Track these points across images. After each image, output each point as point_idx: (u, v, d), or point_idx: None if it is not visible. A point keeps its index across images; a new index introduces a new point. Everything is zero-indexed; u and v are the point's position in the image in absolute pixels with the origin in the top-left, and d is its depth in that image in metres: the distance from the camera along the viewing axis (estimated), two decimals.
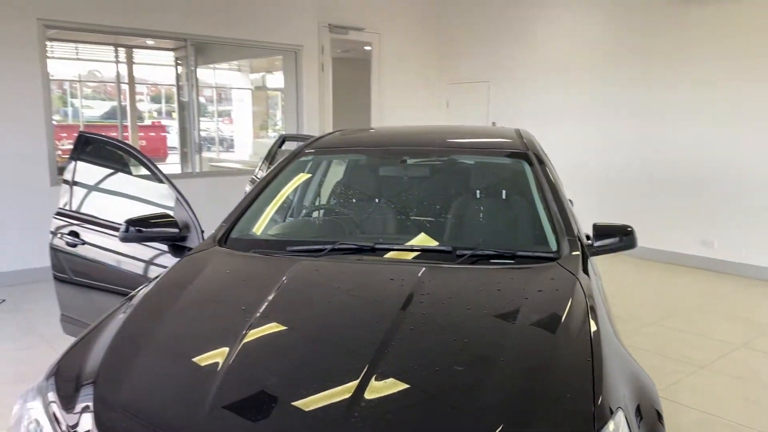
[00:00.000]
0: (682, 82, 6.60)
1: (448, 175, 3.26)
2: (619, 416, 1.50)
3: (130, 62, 10.93)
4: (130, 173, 3.38)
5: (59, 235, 3.36)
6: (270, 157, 4.58)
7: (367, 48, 8.61)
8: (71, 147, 3.48)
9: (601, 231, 2.56)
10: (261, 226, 2.77)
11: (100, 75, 13.67)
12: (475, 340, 1.78)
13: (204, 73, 11.32)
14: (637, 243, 2.61)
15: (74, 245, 3.26)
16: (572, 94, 7.65)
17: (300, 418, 1.46)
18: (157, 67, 12.28)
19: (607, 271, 6.33)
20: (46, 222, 3.60)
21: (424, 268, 2.17)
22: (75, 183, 3.42)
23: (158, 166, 3.12)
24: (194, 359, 1.72)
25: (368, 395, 1.49)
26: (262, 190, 2.89)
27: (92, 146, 3.43)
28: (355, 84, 9.41)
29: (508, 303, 1.98)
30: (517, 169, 3.00)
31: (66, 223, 3.34)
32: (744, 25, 6.09)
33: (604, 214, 6.60)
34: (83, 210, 3.33)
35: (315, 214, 3.39)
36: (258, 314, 1.87)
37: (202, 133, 8.97)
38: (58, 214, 3.41)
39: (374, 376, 1.55)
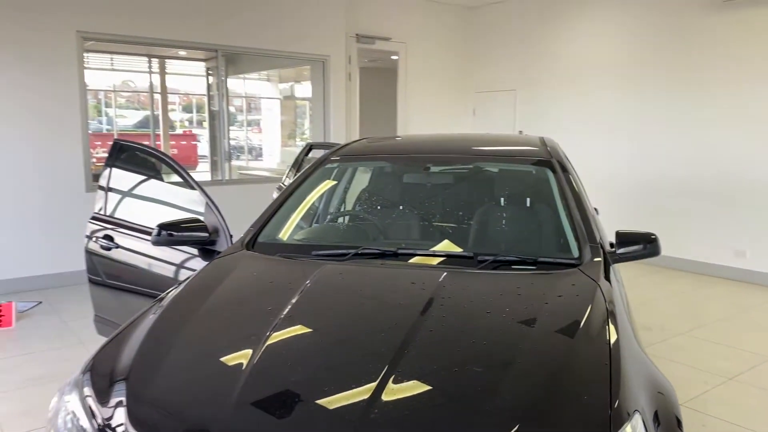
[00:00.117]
0: (712, 90, 6.52)
1: (471, 182, 3.29)
2: (636, 420, 1.51)
3: (162, 72, 11.18)
4: (161, 179, 3.50)
5: (94, 239, 3.47)
6: (297, 165, 4.67)
7: (394, 57, 8.69)
8: (105, 155, 3.61)
9: (624, 238, 2.56)
10: (287, 231, 2.84)
11: (134, 85, 14.02)
12: (494, 342, 1.80)
13: (234, 83, 11.53)
14: (661, 251, 2.61)
15: (108, 248, 3.37)
16: (600, 102, 7.61)
17: (320, 415, 1.51)
18: (188, 77, 12.55)
19: (637, 281, 6.29)
20: (81, 227, 3.72)
21: (445, 273, 2.21)
22: (110, 189, 3.54)
23: (189, 173, 3.22)
24: (221, 358, 1.78)
25: (387, 394, 1.53)
26: (288, 197, 2.96)
27: (127, 153, 3.55)
28: (381, 93, 9.49)
29: (527, 307, 2.00)
30: (540, 176, 3.02)
31: (101, 227, 3.46)
32: None
33: (632, 223, 6.53)
34: (117, 215, 3.45)
35: (340, 219, 3.45)
36: (282, 316, 1.93)
37: (232, 142, 9.14)
38: (93, 218, 3.53)
39: (393, 377, 1.59)
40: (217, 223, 2.99)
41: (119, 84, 13.22)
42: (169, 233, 2.77)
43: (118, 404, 1.66)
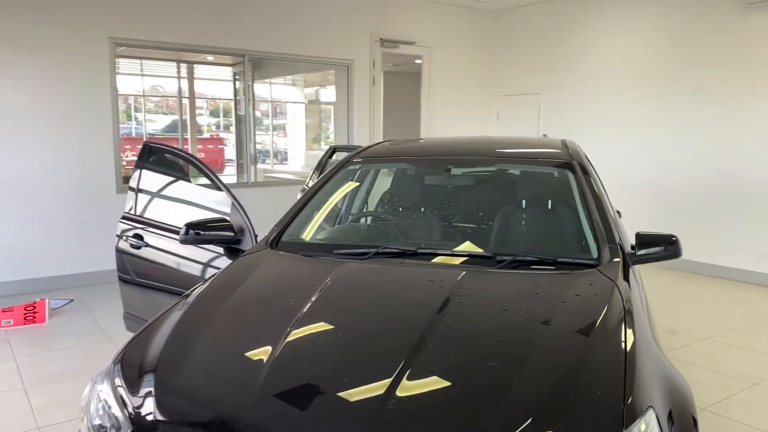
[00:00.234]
0: (738, 93, 6.44)
1: (491, 184, 3.32)
2: (650, 416, 1.54)
3: (191, 77, 11.39)
4: (189, 181, 3.60)
5: (124, 238, 3.59)
6: (320, 167, 4.75)
7: (418, 61, 8.74)
8: (134, 158, 3.72)
9: (644, 240, 2.56)
10: (309, 231, 2.91)
11: (163, 90, 14.30)
12: (510, 339, 1.84)
13: (260, 88, 11.69)
14: (682, 253, 2.59)
15: (138, 247, 3.48)
16: (624, 106, 7.56)
17: (338, 407, 1.56)
18: (216, 82, 12.77)
19: (661, 286, 6.24)
20: (111, 228, 3.84)
21: (464, 272, 2.25)
22: (139, 190, 3.65)
23: (216, 174, 3.31)
24: (244, 351, 1.85)
25: (403, 388, 1.58)
26: (311, 197, 3.03)
27: (156, 156, 3.67)
28: (405, 97, 9.56)
29: (544, 306, 2.03)
30: (561, 178, 3.04)
31: (130, 227, 3.57)
32: None
33: (657, 226, 6.45)
34: (146, 214, 3.56)
35: (361, 220, 3.51)
36: (303, 311, 1.99)
37: (258, 146, 9.28)
38: (124, 218, 3.64)
39: (409, 371, 1.63)
40: (242, 223, 3.07)
41: (148, 89, 13.50)
42: (197, 232, 2.86)
43: (148, 394, 1.73)
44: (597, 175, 3.50)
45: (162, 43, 6.27)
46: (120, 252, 3.63)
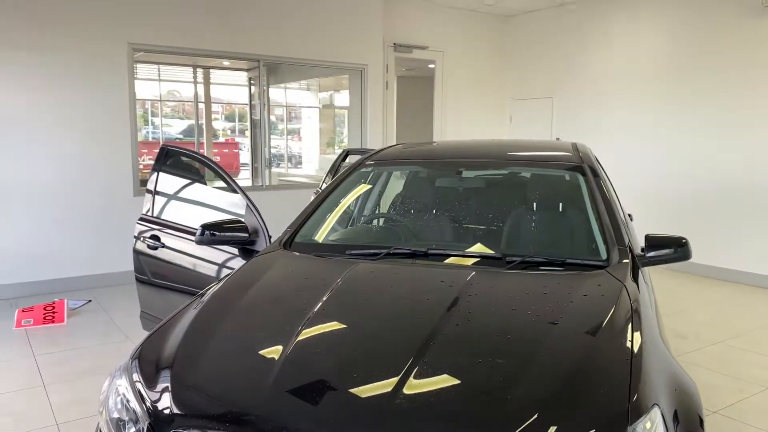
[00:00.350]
0: (753, 95, 6.40)
1: (502, 186, 3.35)
2: (655, 413, 1.56)
3: (207, 82, 11.53)
4: (205, 183, 3.67)
5: (141, 239, 3.66)
6: (333, 170, 4.81)
7: (431, 66, 8.79)
8: (151, 162, 3.80)
9: (653, 242, 2.57)
10: (322, 232, 2.96)
11: (179, 94, 14.47)
12: (517, 337, 1.87)
13: (275, 93, 11.80)
14: (692, 255, 2.60)
15: (155, 248, 3.55)
16: (637, 109, 7.54)
17: (348, 401, 1.60)
18: (232, 86, 12.90)
19: (673, 290, 6.21)
20: (129, 230, 3.92)
21: (473, 272, 2.29)
22: (156, 192, 3.73)
23: (231, 176, 3.38)
24: (257, 348, 1.90)
25: (411, 383, 1.62)
26: (324, 199, 3.08)
27: (173, 158, 3.74)
28: (418, 101, 9.60)
29: (552, 305, 2.06)
30: (571, 180, 3.06)
31: (147, 228, 3.65)
32: None
33: (669, 230, 6.43)
34: (163, 216, 3.63)
35: (373, 221, 3.55)
36: (315, 310, 2.04)
37: (273, 150, 9.35)
38: (141, 219, 3.72)
39: (418, 367, 1.67)
40: (257, 224, 3.13)
41: (165, 93, 13.67)
42: (212, 233, 2.92)
43: (164, 389, 1.79)
44: (608, 178, 3.52)
45: (179, 48, 6.38)
46: (137, 253, 3.71)
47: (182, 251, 3.46)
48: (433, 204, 3.27)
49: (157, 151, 3.77)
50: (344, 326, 2.00)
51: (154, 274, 3.64)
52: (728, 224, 6.67)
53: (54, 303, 5.08)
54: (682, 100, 7.06)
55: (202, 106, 12.13)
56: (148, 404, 1.76)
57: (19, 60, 5.53)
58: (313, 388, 1.69)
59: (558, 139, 8.46)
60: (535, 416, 1.50)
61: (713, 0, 6.69)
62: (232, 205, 3.38)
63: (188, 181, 3.70)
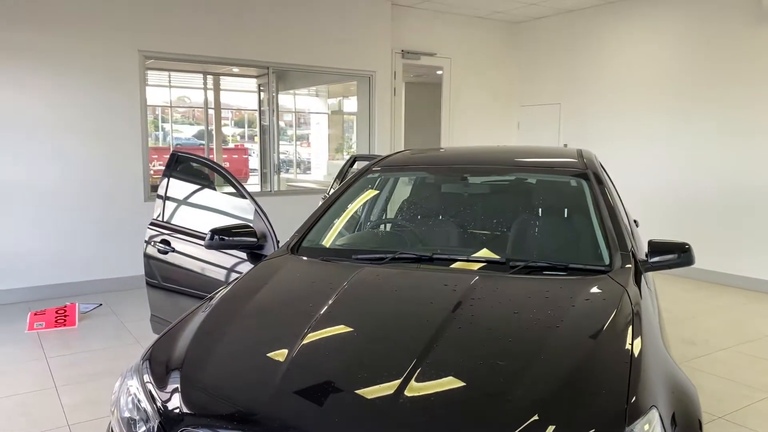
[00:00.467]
0: (760, 102, 6.40)
1: (507, 192, 3.39)
2: (653, 415, 1.59)
3: (217, 89, 11.64)
4: (214, 188, 3.74)
5: (152, 244, 3.72)
6: (341, 176, 4.86)
7: (439, 72, 8.84)
8: (161, 168, 3.87)
9: (656, 248, 2.60)
10: (329, 237, 3.01)
11: (189, 101, 14.61)
12: (519, 339, 1.91)
13: (284, 99, 11.89)
14: (695, 260, 2.62)
15: (165, 252, 3.61)
16: (645, 115, 7.55)
17: (353, 401, 1.65)
18: (241, 93, 13.02)
19: (683, 296, 6.21)
20: (139, 235, 3.98)
21: (477, 277, 2.32)
22: (167, 197, 3.79)
23: (240, 182, 3.44)
24: (264, 350, 1.95)
25: (415, 383, 1.66)
26: (331, 204, 3.13)
27: (183, 164, 3.81)
28: (426, 107, 9.66)
29: (554, 309, 2.09)
30: (575, 187, 3.09)
31: (158, 233, 3.71)
32: None
33: (679, 237, 6.43)
34: (173, 221, 3.69)
35: (380, 226, 3.60)
36: (321, 313, 2.08)
37: (282, 156, 9.42)
38: (152, 224, 3.78)
39: (420, 368, 1.71)
40: (265, 229, 3.19)
41: (175, 100, 13.81)
42: (221, 238, 2.97)
43: (174, 390, 1.83)
44: (612, 184, 3.55)
45: (189, 55, 6.47)
46: (148, 257, 3.77)
47: (192, 256, 3.51)
48: (438, 209, 3.31)
49: (168, 156, 3.84)
50: (349, 329, 2.04)
51: (164, 278, 3.70)
52: (737, 231, 6.65)
53: (65, 306, 5.16)
54: (689, 107, 7.06)
55: (211, 111, 12.23)
56: (159, 404, 1.81)
57: (33, 67, 5.63)
58: (319, 388, 1.73)
59: (566, 145, 8.48)
60: (535, 417, 1.53)
61: (720, 8, 6.70)
62: (241, 211, 3.44)
63: (198, 187, 3.76)
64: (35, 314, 5.03)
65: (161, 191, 3.81)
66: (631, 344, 1.84)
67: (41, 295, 5.81)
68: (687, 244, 2.59)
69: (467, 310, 2.05)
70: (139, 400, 1.88)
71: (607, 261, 2.50)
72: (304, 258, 2.73)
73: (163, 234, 3.67)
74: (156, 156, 12.02)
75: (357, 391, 1.67)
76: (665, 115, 7.33)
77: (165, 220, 3.74)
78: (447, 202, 3.36)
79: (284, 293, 2.39)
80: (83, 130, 5.93)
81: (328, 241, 2.98)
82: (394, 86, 8.11)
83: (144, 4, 6.11)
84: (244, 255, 3.26)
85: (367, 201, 3.55)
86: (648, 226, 6.54)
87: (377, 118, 7.91)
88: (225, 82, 11.70)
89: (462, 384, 1.68)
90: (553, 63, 8.71)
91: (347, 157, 5.24)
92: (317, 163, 13.43)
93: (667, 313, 5.60)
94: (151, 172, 6.68)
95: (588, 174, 3.00)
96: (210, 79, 11.30)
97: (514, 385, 1.65)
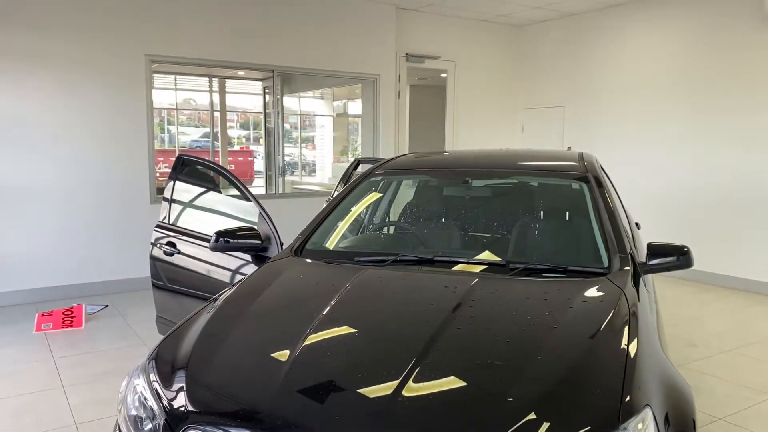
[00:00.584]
0: (763, 105, 6.41)
1: (508, 196, 3.42)
2: (646, 414, 1.62)
3: (222, 91, 11.72)
4: (220, 191, 3.79)
5: (158, 246, 3.78)
6: (345, 179, 4.90)
7: (443, 75, 8.88)
8: (167, 170, 3.93)
9: (655, 250, 2.63)
10: (332, 239, 3.05)
11: (195, 103, 14.69)
12: (517, 339, 1.95)
13: (290, 101, 11.95)
14: (694, 263, 2.64)
15: (171, 254, 3.67)
16: (649, 118, 7.57)
17: (353, 399, 1.69)
18: (246, 95, 13.09)
19: (686, 298, 6.23)
20: (145, 237, 4.04)
21: (477, 279, 2.36)
22: (173, 200, 3.85)
23: (245, 185, 3.49)
24: (268, 350, 1.99)
25: (414, 382, 1.70)
26: (335, 207, 3.17)
27: (189, 167, 3.86)
28: (431, 109, 9.70)
29: (552, 310, 2.12)
30: (575, 190, 3.13)
31: (164, 235, 3.76)
32: None
33: (679, 238, 6.45)
34: (179, 223, 3.75)
35: (382, 229, 3.64)
36: (323, 313, 2.13)
37: (287, 158, 9.49)
38: (158, 226, 3.84)
39: (419, 368, 1.75)
40: (269, 232, 3.23)
41: (181, 102, 13.90)
42: (226, 240, 3.02)
43: (180, 388, 1.88)
44: (613, 187, 3.58)
45: (195, 59, 6.53)
46: (154, 259, 3.82)
47: (197, 258, 3.56)
48: (440, 212, 3.35)
49: (174, 159, 3.89)
50: (351, 329, 2.08)
51: (170, 280, 3.75)
52: (740, 234, 6.66)
53: (72, 308, 5.22)
54: (693, 110, 7.08)
55: (217, 114, 12.31)
56: (165, 402, 1.85)
57: (40, 71, 5.70)
58: (320, 387, 1.77)
59: (569, 148, 8.51)
60: (531, 414, 1.57)
61: (724, 12, 6.72)
62: (246, 213, 3.49)
63: (203, 190, 3.82)
64: (42, 315, 5.09)
65: (167, 194, 3.86)
66: (627, 345, 1.87)
67: (48, 297, 5.88)
68: (686, 247, 2.62)
69: (467, 311, 2.09)
70: (145, 399, 1.92)
71: (605, 263, 2.53)
72: (308, 260, 2.77)
73: (169, 236, 3.73)
74: (162, 158, 12.09)
75: (357, 390, 1.71)
76: (669, 118, 7.35)
77: (171, 222, 3.79)
78: (448, 205, 3.40)
79: (287, 295, 2.43)
80: (90, 134, 6.00)
81: (331, 244, 3.03)
82: (398, 89, 8.16)
83: (151, 10, 6.18)
84: (248, 257, 3.31)
85: (370, 204, 3.59)
86: (651, 229, 6.56)
87: (381, 121, 7.95)
88: (230, 84, 11.77)
89: (459, 383, 1.72)
90: (557, 66, 8.74)
91: (352, 160, 5.28)
92: (322, 165, 13.48)
93: (670, 316, 5.62)
94: (157, 174, 6.74)
95: (588, 177, 3.03)
96: (216, 81, 11.38)
97: (510, 384, 1.68)
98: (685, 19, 7.12)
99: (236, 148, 16.25)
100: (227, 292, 2.49)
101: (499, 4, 7.91)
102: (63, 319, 5.10)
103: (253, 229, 3.17)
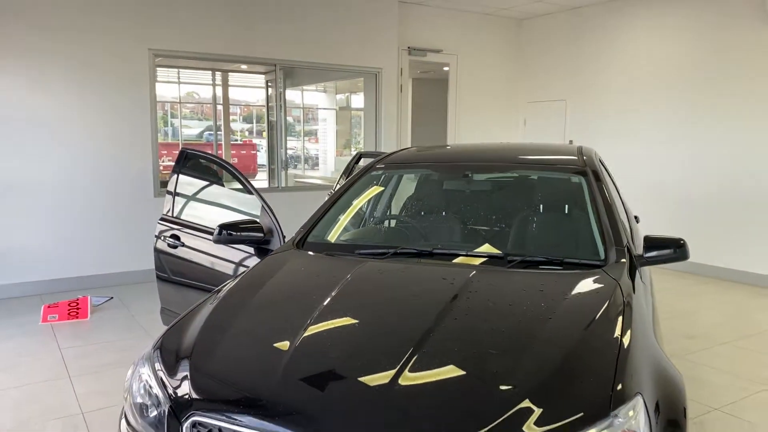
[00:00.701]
0: (764, 101, 6.43)
1: (507, 189, 3.46)
2: (637, 401, 1.67)
3: (225, 85, 11.73)
4: (222, 185, 3.84)
5: (162, 238, 3.83)
6: (347, 172, 4.94)
7: (445, 68, 8.90)
8: (170, 163, 3.98)
9: (652, 243, 2.67)
10: (333, 232, 3.10)
11: (198, 96, 14.72)
12: (512, 329, 1.99)
13: (292, 95, 11.96)
14: (689, 255, 2.68)
15: (175, 247, 3.72)
16: (649, 112, 7.58)
17: (352, 386, 1.74)
18: (249, 88, 13.11)
19: (687, 291, 6.28)
20: (149, 230, 4.09)
21: (474, 271, 2.41)
22: (176, 193, 3.89)
23: (247, 178, 3.53)
24: (269, 339, 2.05)
25: (410, 370, 1.75)
26: (336, 201, 3.22)
27: (192, 161, 3.91)
28: (433, 103, 9.72)
29: (548, 301, 2.17)
30: (573, 183, 3.16)
31: (168, 228, 3.81)
32: None
33: (680, 231, 6.49)
34: (183, 216, 3.80)
35: (383, 222, 3.69)
36: (324, 304, 2.18)
37: (290, 152, 9.49)
38: (162, 219, 3.89)
39: (416, 356, 1.80)
40: (271, 225, 3.28)
41: (184, 95, 13.92)
42: (229, 233, 3.07)
43: (184, 377, 1.93)
44: (612, 181, 3.62)
45: (198, 53, 6.57)
46: (158, 251, 3.87)
47: (201, 250, 3.62)
48: (440, 206, 3.39)
49: (177, 153, 3.94)
50: (350, 319, 2.13)
51: (174, 272, 3.81)
52: (740, 227, 6.69)
53: (78, 299, 5.29)
54: (694, 104, 7.09)
55: (220, 107, 12.33)
56: (169, 390, 1.91)
57: (44, 66, 5.75)
58: (320, 375, 1.82)
59: (571, 142, 8.53)
60: (524, 401, 1.62)
61: (727, 9, 6.72)
62: (248, 206, 3.53)
63: (206, 183, 3.86)
64: (48, 307, 5.16)
65: (171, 187, 3.91)
66: (620, 335, 1.92)
67: (54, 289, 5.95)
68: (682, 239, 2.65)
69: (464, 302, 2.14)
70: (150, 387, 1.98)
71: (602, 256, 2.58)
72: (309, 253, 2.82)
73: (173, 229, 3.78)
74: (165, 152, 12.14)
75: (355, 378, 1.76)
76: (670, 112, 7.36)
77: (174, 215, 3.84)
78: (448, 199, 3.44)
79: (289, 286, 2.48)
80: (94, 128, 6.05)
81: (332, 237, 3.07)
82: (400, 83, 8.18)
83: (154, 5, 6.21)
84: (251, 249, 3.36)
85: (371, 197, 3.63)
86: (652, 222, 6.60)
87: (384, 115, 7.98)
88: (233, 78, 11.79)
89: (455, 371, 1.77)
90: (559, 60, 8.75)
91: (354, 153, 5.32)
92: (325, 158, 13.50)
93: (669, 308, 5.66)
94: (161, 167, 6.79)
95: (587, 171, 3.06)
96: (218, 75, 11.40)
97: (505, 373, 1.73)
98: (686, 14, 7.12)
99: (239, 141, 16.28)
100: (230, 284, 2.54)
101: None
102: (69, 310, 5.16)
103: (255, 222, 3.22)
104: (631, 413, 1.64)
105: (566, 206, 3.19)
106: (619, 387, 1.68)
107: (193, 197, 3.87)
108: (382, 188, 3.69)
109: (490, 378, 1.72)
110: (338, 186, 4.98)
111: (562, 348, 1.85)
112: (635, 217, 4.36)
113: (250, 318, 2.23)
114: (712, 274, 6.89)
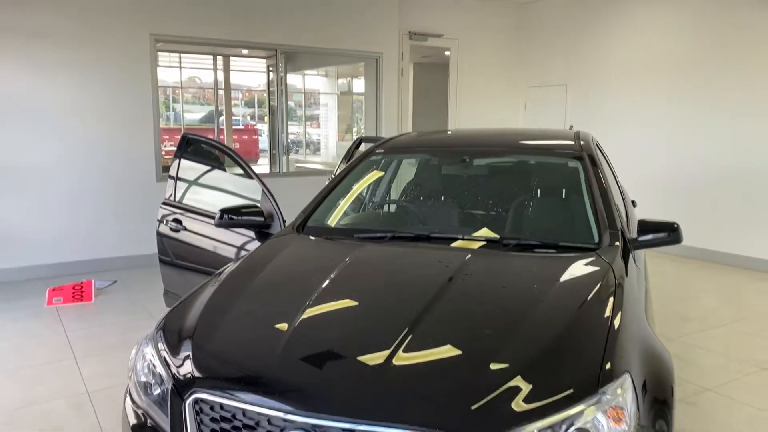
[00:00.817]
0: (765, 86, 6.43)
1: (505, 174, 3.50)
2: (625, 379, 1.72)
3: (227, 69, 11.71)
4: (224, 170, 3.88)
5: (165, 223, 3.88)
6: (347, 157, 4.97)
7: (446, 53, 8.88)
8: (172, 148, 4.02)
9: (645, 227, 2.71)
10: (333, 217, 3.15)
11: (200, 81, 14.71)
12: (506, 310, 2.05)
13: (294, 79, 11.95)
14: (683, 239, 2.72)
15: (177, 231, 3.77)
16: (650, 97, 7.58)
17: (350, 364, 1.80)
18: (251, 73, 13.09)
19: (685, 275, 6.34)
20: (151, 215, 4.12)
21: (470, 254, 2.46)
22: (178, 178, 3.94)
23: (248, 163, 3.57)
24: (269, 320, 2.11)
25: (406, 350, 1.80)
26: (335, 185, 3.26)
27: (193, 146, 3.95)
28: (434, 87, 9.71)
29: (541, 282, 2.22)
30: (570, 168, 3.20)
31: (170, 212, 3.86)
32: None
33: (678, 216, 6.50)
34: (185, 200, 3.85)
35: (382, 206, 3.73)
36: (323, 286, 2.23)
37: (291, 137, 9.51)
38: (164, 204, 3.94)
39: (411, 335, 1.86)
40: (272, 209, 3.33)
41: (186, 80, 13.91)
42: (230, 217, 3.12)
43: (186, 356, 1.99)
44: (609, 165, 3.65)
45: (199, 38, 6.57)
46: (160, 235, 3.93)
47: (202, 234, 3.67)
48: (438, 190, 3.43)
49: (179, 138, 3.98)
50: (348, 301, 2.18)
51: (176, 256, 3.87)
52: (739, 211, 6.72)
53: (82, 283, 5.36)
54: (695, 90, 7.09)
55: (222, 92, 12.32)
56: (172, 369, 1.97)
57: (45, 50, 5.77)
58: (318, 354, 1.88)
59: (571, 127, 8.54)
60: (516, 378, 1.67)
61: None
62: (249, 191, 3.58)
63: (208, 168, 3.91)
64: (53, 290, 5.23)
65: (173, 172, 3.96)
66: (611, 315, 1.97)
67: (59, 272, 6.02)
68: (675, 224, 2.69)
69: (459, 284, 2.19)
70: (154, 366, 2.04)
71: (596, 239, 2.62)
72: (309, 236, 2.87)
73: (175, 213, 3.83)
74: (167, 137, 12.17)
75: (352, 357, 1.82)
76: (670, 97, 7.36)
77: (177, 199, 3.89)
78: (446, 184, 3.48)
79: (288, 269, 2.54)
80: (96, 113, 6.08)
81: (332, 221, 3.12)
82: (401, 67, 8.18)
83: None
84: (252, 234, 3.41)
85: (371, 182, 3.67)
86: (651, 206, 6.62)
87: (384, 100, 7.99)
88: (235, 62, 11.77)
89: (449, 350, 1.82)
90: (560, 44, 8.73)
91: (355, 138, 5.35)
92: (326, 143, 13.51)
93: (667, 291, 5.71)
94: (163, 152, 6.83)
95: (583, 156, 3.09)
96: (220, 59, 11.38)
97: (497, 352, 1.79)
98: (687, 1, 7.10)
99: (241, 126, 16.27)
100: (231, 267, 2.60)
101: None
102: (73, 293, 5.23)
103: (256, 206, 3.27)
104: (619, 391, 1.69)
105: (563, 191, 3.23)
106: (608, 365, 1.73)
107: (194, 182, 3.91)
108: (382, 173, 3.73)
109: (483, 356, 1.77)
110: (339, 171, 5.03)
111: (553, 328, 1.90)
112: (632, 202, 4.40)
113: (250, 299, 2.28)
114: (712, 258, 6.93)
